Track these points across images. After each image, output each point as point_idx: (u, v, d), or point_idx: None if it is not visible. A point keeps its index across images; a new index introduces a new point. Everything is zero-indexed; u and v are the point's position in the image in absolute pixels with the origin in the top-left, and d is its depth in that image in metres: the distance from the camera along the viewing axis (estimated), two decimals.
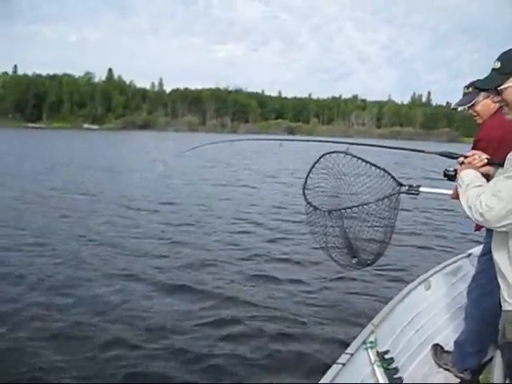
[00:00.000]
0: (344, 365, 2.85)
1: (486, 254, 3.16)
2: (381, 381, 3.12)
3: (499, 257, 2.15)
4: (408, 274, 7.04)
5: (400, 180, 3.05)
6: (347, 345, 3.14)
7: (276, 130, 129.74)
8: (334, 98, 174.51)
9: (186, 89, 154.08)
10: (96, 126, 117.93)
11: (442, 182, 3.04)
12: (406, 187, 3.14)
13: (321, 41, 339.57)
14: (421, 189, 3.13)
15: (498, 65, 2.15)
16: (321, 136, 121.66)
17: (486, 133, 3.17)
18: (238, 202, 14.91)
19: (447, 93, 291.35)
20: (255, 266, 7.86)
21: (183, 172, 22.59)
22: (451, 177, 2.66)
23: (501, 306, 2.40)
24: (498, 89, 2.15)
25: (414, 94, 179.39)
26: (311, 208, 3.00)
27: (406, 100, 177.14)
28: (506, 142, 2.85)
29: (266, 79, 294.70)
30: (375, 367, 3.13)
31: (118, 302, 6.17)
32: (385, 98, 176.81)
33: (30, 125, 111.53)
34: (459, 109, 3.55)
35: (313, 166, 3.16)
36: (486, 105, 3.34)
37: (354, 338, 3.22)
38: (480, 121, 3.39)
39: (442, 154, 2.73)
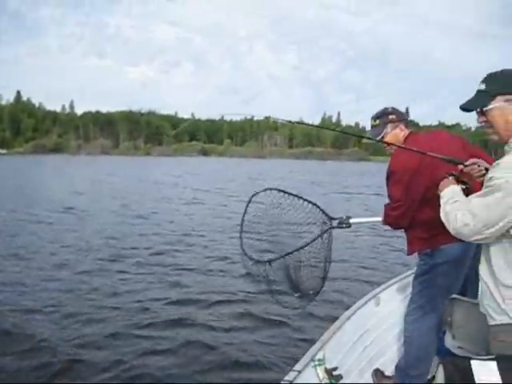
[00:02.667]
0: (291, 382, 2.85)
1: (420, 276, 3.28)
2: None
3: (484, 273, 2.22)
4: (358, 290, 7.11)
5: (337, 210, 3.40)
6: (296, 362, 3.11)
7: (190, 152, 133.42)
8: (246, 119, 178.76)
9: (97, 111, 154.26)
10: (4, 151, 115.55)
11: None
12: (337, 221, 3.33)
13: (232, 62, 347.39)
14: (351, 220, 3.33)
15: (482, 86, 2.22)
16: (234, 157, 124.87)
17: (399, 164, 3.17)
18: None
19: (356, 114, 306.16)
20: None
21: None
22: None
23: (451, 324, 2.84)
24: (484, 110, 2.21)
25: (325, 114, 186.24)
26: (250, 261, 3.06)
27: (317, 120, 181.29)
28: (419, 170, 3.04)
29: (179, 101, 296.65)
30: None
31: None
32: (296, 119, 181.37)
33: None
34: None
35: (246, 209, 3.26)
36: (395, 135, 3.35)
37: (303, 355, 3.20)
38: (391, 151, 3.35)
39: (443, 159, 2.70)
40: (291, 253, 3.07)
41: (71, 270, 9.14)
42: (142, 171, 41.72)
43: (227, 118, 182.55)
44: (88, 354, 5.43)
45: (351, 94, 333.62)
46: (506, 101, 2.14)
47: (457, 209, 2.19)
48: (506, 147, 2.18)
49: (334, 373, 3.21)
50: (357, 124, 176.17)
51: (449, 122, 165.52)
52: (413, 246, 3.34)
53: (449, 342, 3.21)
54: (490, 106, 2.17)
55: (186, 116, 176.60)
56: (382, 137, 3.38)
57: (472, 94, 2.28)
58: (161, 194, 25.27)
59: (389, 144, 3.33)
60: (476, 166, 2.57)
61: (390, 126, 3.37)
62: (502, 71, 2.22)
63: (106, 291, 7.84)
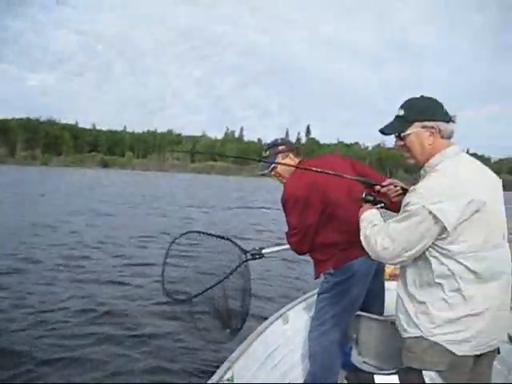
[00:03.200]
0: None
1: (323, 293, 3.35)
2: None
3: (400, 289, 2.34)
4: (265, 310, 6.96)
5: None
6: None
7: (90, 164, 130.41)
8: (149, 131, 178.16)
9: None
10: None
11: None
12: (250, 254, 3.51)
13: (136, 74, 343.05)
14: (264, 251, 3.54)
15: (401, 112, 2.32)
16: (136, 170, 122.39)
17: (291, 193, 3.20)
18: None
19: (258, 130, 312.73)
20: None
21: None
22: (371, 202, 2.58)
23: (356, 340, 3.08)
24: (402, 135, 2.31)
25: (228, 129, 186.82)
26: (172, 300, 3.16)
27: (220, 135, 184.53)
28: (311, 197, 3.12)
29: (80, 111, 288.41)
30: None
31: None
32: (199, 133, 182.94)
33: None
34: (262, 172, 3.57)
35: (167, 252, 3.31)
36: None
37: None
38: (284, 181, 3.40)
39: (358, 180, 2.79)
40: (209, 289, 3.22)
41: None
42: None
43: (129, 129, 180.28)
44: None
45: (254, 109, 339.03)
46: (423, 127, 2.25)
47: (376, 233, 2.26)
48: (421, 171, 2.32)
49: None
50: (259, 140, 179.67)
51: (347, 141, 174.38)
52: (318, 269, 3.41)
53: (355, 358, 3.21)
54: (407, 132, 2.28)
55: (88, 126, 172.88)
56: (274, 167, 3.45)
57: (386, 118, 2.40)
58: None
59: (280, 175, 3.47)
60: (392, 187, 2.62)
61: (280, 156, 3.43)
62: (420, 98, 2.33)
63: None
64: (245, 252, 3.52)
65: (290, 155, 3.46)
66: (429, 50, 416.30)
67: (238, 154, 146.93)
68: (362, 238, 2.39)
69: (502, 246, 2.23)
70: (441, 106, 2.32)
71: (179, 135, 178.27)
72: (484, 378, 2.39)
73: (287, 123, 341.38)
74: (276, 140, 3.55)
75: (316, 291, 3.71)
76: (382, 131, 2.38)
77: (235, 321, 3.45)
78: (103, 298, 8.07)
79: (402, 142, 2.33)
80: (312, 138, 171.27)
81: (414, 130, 2.27)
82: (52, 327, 6.53)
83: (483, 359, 2.28)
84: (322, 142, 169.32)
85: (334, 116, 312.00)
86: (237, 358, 3.26)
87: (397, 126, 2.33)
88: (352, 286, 3.22)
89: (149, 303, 8.07)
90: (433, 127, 2.25)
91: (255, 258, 3.53)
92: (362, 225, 2.45)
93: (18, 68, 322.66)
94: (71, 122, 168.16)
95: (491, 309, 2.16)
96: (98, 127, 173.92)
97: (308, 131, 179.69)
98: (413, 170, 2.50)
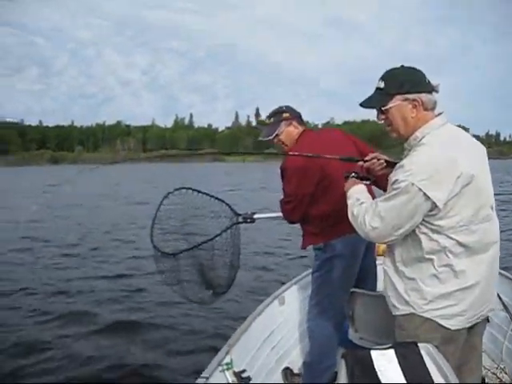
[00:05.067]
0: None
1: (316, 272, 3.36)
2: None
3: (388, 266, 2.28)
4: (263, 292, 6.90)
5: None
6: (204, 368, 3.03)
7: (39, 161, 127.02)
8: (98, 124, 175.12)
9: None
10: None
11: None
12: (242, 217, 3.46)
13: (80, 66, 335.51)
14: (255, 216, 3.51)
15: (381, 84, 2.21)
16: (87, 163, 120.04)
17: (291, 161, 3.20)
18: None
19: (207, 115, 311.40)
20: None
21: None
22: (356, 179, 2.51)
23: (352, 317, 3.05)
24: (383, 109, 2.21)
25: (177, 117, 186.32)
26: (159, 253, 3.10)
27: (170, 123, 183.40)
28: (309, 168, 3.09)
29: (24, 107, 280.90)
30: None
31: None
32: (149, 123, 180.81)
33: None
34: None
35: (158, 208, 3.26)
36: (288, 132, 3.38)
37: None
38: (286, 149, 3.40)
39: (342, 159, 2.72)
40: (196, 246, 3.17)
41: None
42: None
43: (77, 123, 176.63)
44: None
45: (201, 95, 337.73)
46: (404, 100, 2.15)
47: (364, 212, 2.18)
48: (405, 145, 2.24)
49: (243, 375, 3.19)
50: (209, 125, 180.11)
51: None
52: (306, 240, 3.40)
53: (352, 335, 3.19)
54: (388, 106, 2.18)
55: (34, 123, 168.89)
56: (277, 134, 3.39)
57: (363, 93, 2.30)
58: None
59: (284, 144, 3.42)
60: (376, 161, 2.53)
61: (283, 123, 3.38)
62: (400, 69, 2.23)
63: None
64: (236, 214, 3.49)
65: (294, 122, 3.41)
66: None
67: (188, 142, 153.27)
68: (349, 215, 2.31)
69: (491, 218, 2.20)
70: (422, 75, 2.21)
71: (128, 126, 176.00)
72: (477, 346, 2.40)
73: (236, 107, 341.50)
74: (280, 107, 3.48)
75: (309, 271, 3.71)
76: (362, 105, 2.29)
77: (220, 284, 3.41)
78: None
79: (384, 116, 2.25)
80: (262, 120, 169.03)
81: (396, 104, 2.18)
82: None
83: (475, 329, 2.29)
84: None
85: (280, 96, 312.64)
86: (235, 342, 3.27)
87: (377, 100, 2.24)
88: (343, 263, 3.22)
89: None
90: (415, 99, 2.16)
91: (246, 222, 3.50)
92: (349, 202, 2.37)
93: None
94: (15, 120, 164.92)
95: (482, 281, 2.15)
96: (44, 124, 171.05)
97: (257, 114, 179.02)
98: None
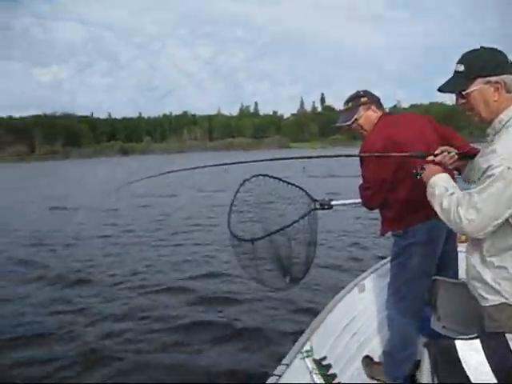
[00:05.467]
0: (280, 376, 2.83)
1: (394, 259, 3.33)
2: None
3: (472, 254, 2.19)
4: (342, 279, 6.90)
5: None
6: (282, 356, 3.05)
7: (109, 153, 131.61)
8: (164, 115, 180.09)
9: (10, 117, 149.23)
10: None
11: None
12: (319, 203, 3.42)
13: (146, 59, 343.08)
14: (333, 202, 3.48)
15: (461, 68, 2.12)
16: (155, 154, 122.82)
17: (369, 146, 3.13)
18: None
19: (272, 102, 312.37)
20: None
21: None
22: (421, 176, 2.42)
23: (435, 305, 2.96)
24: (463, 93, 2.12)
25: (242, 105, 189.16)
26: (236, 240, 3.11)
27: (235, 112, 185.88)
28: (388, 152, 2.95)
29: (95, 101, 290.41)
30: (313, 375, 3.10)
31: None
32: (214, 112, 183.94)
33: None
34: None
35: (236, 194, 3.29)
36: (367, 117, 3.34)
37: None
38: (365, 133, 3.35)
39: (411, 156, 2.62)
40: (274, 232, 3.15)
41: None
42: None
43: (144, 115, 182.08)
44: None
45: (266, 83, 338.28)
46: (486, 83, 2.06)
47: (456, 204, 2.05)
48: (488, 130, 2.15)
49: (323, 363, 3.19)
50: (274, 112, 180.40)
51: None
52: (385, 226, 3.39)
53: (434, 323, 3.15)
54: (469, 90, 2.09)
55: (103, 116, 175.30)
56: (356, 119, 3.35)
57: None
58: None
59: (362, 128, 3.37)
60: (447, 154, 2.45)
61: (362, 108, 3.34)
62: (480, 50, 2.14)
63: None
64: (314, 201, 3.42)
65: (372, 107, 3.35)
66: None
67: (254, 130, 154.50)
68: (437, 208, 2.18)
69: None
70: (504, 56, 2.09)
71: (194, 116, 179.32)
72: None
73: (301, 93, 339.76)
74: (358, 92, 3.43)
75: (389, 258, 3.59)
76: (441, 89, 2.21)
77: (297, 270, 3.36)
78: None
79: (464, 100, 2.14)
80: (328, 106, 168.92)
81: (477, 87, 2.08)
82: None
83: None
84: (337, 108, 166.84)
85: (345, 81, 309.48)
86: (314, 329, 3.30)
87: (457, 84, 2.14)
88: (423, 250, 3.16)
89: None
90: (497, 82, 2.05)
91: (324, 208, 3.44)
92: (436, 191, 2.22)
93: (27, 65, 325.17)
94: (86, 113, 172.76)
95: None
96: (113, 116, 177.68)
97: (323, 99, 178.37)
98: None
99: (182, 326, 6.21)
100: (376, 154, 2.97)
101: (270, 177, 3.33)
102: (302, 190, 3.41)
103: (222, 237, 10.13)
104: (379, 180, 3.15)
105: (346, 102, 3.44)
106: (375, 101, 3.39)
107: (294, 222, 3.21)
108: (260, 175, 3.32)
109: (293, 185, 3.39)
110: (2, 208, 21.00)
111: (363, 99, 3.36)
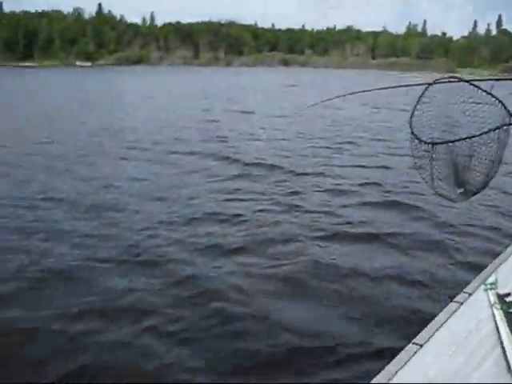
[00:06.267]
0: (462, 303, 2.76)
1: None
2: (500, 324, 2.93)
3: None
4: None
5: None
6: (464, 284, 3.03)
7: (270, 62, 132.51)
8: (328, 28, 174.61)
9: (177, 23, 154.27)
10: (89, 63, 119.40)
11: None
12: None
13: None
14: None
15: None
16: (315, 67, 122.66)
17: None
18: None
19: (442, 23, 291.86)
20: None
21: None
22: None
23: None
24: None
25: (410, 23, 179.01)
26: (416, 141, 3.04)
27: (401, 30, 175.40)
28: None
29: (259, 11, 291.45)
30: (494, 309, 2.98)
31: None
32: (380, 29, 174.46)
33: (21, 64, 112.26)
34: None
35: (420, 97, 3.20)
36: None
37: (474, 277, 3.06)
38: None
39: None
40: (457, 140, 2.98)
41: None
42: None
43: (308, 27, 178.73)
44: None
45: (438, 3, 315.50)
46: None
47: None
48: None
49: (507, 299, 3.05)
50: (443, 33, 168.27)
51: None
52: None
53: None
54: None
55: (267, 26, 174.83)
56: None
57: None
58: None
59: None
60: None
61: None
62: None
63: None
64: (510, 115, 2.92)
65: None
66: None
67: (420, 50, 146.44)
68: None
69: None
70: None
71: (359, 31, 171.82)
72: None
73: (475, 14, 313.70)
74: None
75: None
76: None
77: (473, 184, 3.15)
78: None
79: None
80: (503, 29, 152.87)
81: None
82: None
83: None
84: None
85: None
86: (501, 262, 3.25)
87: None
88: None
89: None
90: None
91: None
92: None
93: None
94: (251, 22, 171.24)
95: None
96: (276, 27, 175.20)
97: (499, 22, 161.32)
98: None
99: None
100: None
101: (463, 80, 3.12)
102: (499, 100, 2.99)
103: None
104: None
105: None
106: None
107: (483, 133, 2.90)
108: (451, 77, 3.19)
109: (488, 93, 3.01)
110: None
111: None
